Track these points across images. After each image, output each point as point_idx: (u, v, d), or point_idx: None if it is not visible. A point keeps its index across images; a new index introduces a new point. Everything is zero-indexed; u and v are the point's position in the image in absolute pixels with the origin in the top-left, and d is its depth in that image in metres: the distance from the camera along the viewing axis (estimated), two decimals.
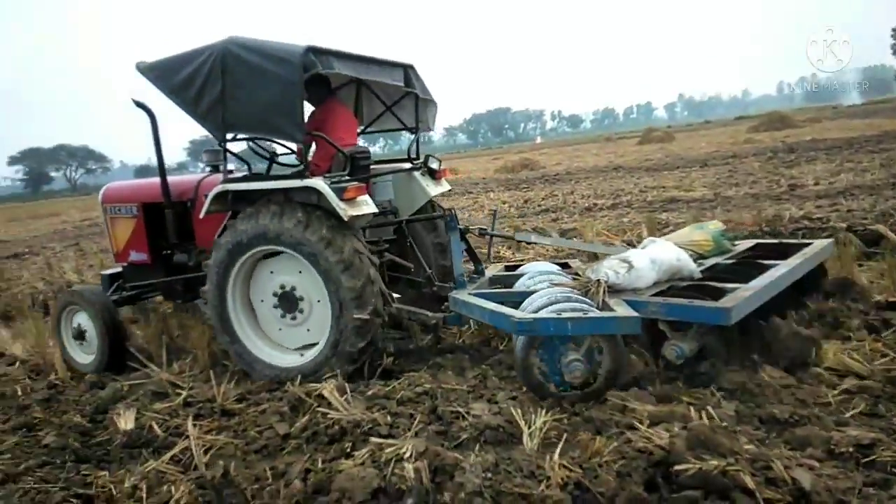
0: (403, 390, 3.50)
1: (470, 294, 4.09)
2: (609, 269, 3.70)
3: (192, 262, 4.82)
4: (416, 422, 3.11)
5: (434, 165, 5.05)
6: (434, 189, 5.00)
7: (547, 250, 6.82)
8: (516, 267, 5.05)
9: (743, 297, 3.35)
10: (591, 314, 3.31)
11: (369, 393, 3.49)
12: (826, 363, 3.47)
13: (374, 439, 2.91)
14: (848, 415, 2.96)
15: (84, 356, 4.87)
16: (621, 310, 3.35)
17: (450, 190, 5.32)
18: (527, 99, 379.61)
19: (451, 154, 71.50)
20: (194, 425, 3.33)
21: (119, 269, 5.27)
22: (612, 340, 3.28)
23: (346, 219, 3.82)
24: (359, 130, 5.16)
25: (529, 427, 2.97)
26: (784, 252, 4.28)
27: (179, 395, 3.82)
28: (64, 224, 23.70)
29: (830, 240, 4.67)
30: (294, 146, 4.46)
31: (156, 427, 3.40)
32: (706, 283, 3.78)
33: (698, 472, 2.37)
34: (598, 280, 3.62)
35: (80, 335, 4.84)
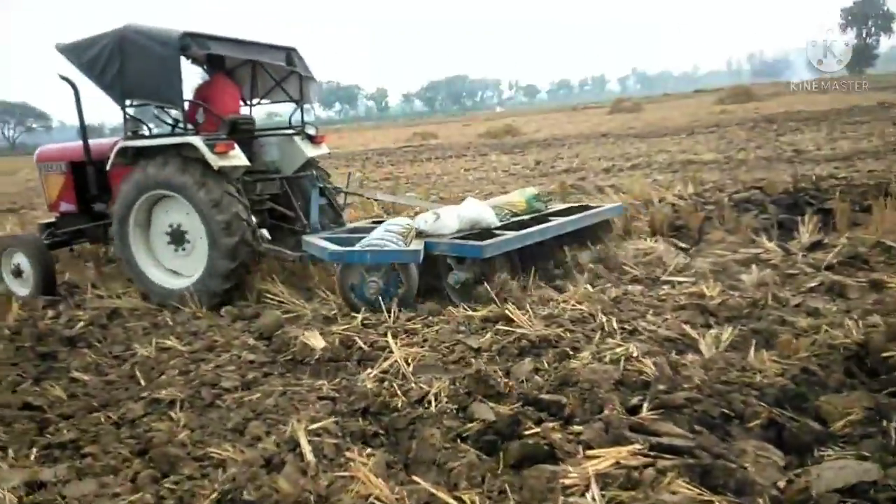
0: (568, 311, 3.88)
1: (316, 237, 5.07)
2: (421, 219, 4.80)
3: (109, 211, 5.52)
4: (598, 334, 3.50)
5: (311, 132, 6.04)
6: (312, 151, 5.94)
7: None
8: (380, 221, 5.76)
9: (499, 240, 4.47)
10: (386, 248, 4.38)
11: (544, 313, 3.85)
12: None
13: (595, 342, 3.29)
14: None
15: (22, 289, 5.83)
16: (414, 246, 4.40)
17: (328, 153, 6.24)
18: (484, 68, 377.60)
19: (417, 120, 71.12)
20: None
21: (53, 219, 6.29)
22: (406, 268, 4.35)
23: (215, 167, 4.81)
24: (254, 102, 6.28)
25: (704, 337, 3.42)
26: (576, 211, 5.44)
27: (355, 317, 4.09)
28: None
29: (617, 204, 6.06)
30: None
31: (359, 341, 3.68)
32: (495, 230, 4.81)
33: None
34: (412, 227, 4.71)
35: (17, 272, 5.85)
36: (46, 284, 5.70)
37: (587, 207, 5.66)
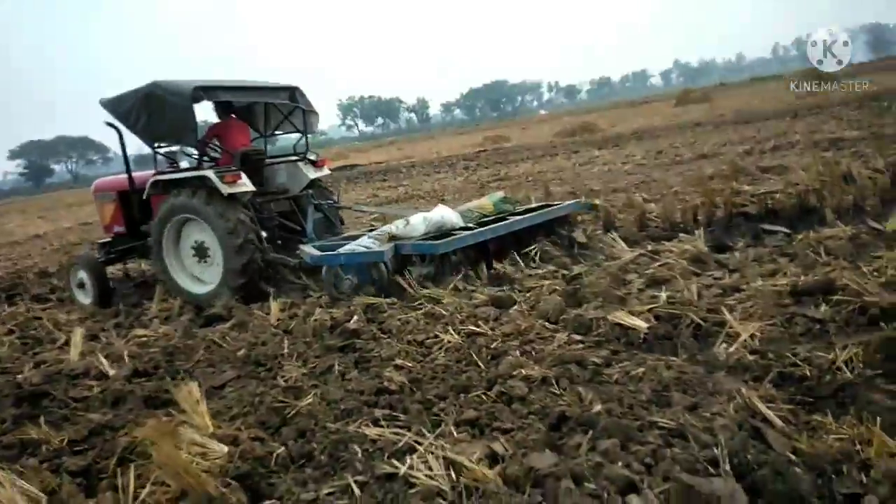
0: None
1: (308, 246, 5.96)
2: (393, 225, 5.62)
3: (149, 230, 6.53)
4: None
5: (312, 158, 7.10)
6: (314, 173, 7.01)
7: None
8: (373, 229, 6.58)
9: (452, 239, 5.20)
10: (356, 251, 5.28)
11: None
12: None
13: None
14: None
15: (86, 299, 6.98)
16: (385, 249, 5.14)
17: (330, 174, 7.39)
18: (522, 71, 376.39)
19: (466, 128, 70.83)
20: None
21: (109, 239, 7.36)
22: (377, 266, 5.19)
23: (225, 194, 5.83)
24: (268, 134, 7.31)
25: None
26: (534, 210, 6.09)
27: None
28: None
29: (574, 200, 6.84)
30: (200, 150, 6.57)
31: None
32: (454, 231, 5.50)
33: None
34: (386, 232, 5.50)
35: (81, 284, 7.01)
36: (102, 295, 6.89)
37: (546, 206, 6.36)
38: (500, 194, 6.68)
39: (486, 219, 6.00)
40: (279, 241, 6.74)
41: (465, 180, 15.32)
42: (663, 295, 3.90)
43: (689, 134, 17.18)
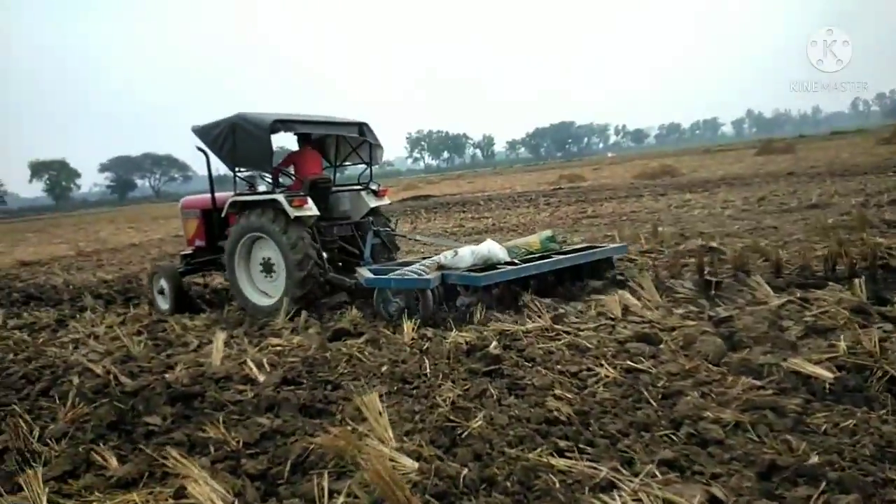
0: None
1: (364, 268, 6.43)
2: (442, 255, 5.89)
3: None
4: None
5: (374, 188, 7.60)
6: (375, 202, 7.54)
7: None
8: (426, 257, 6.75)
9: (496, 273, 5.52)
10: (406, 277, 5.59)
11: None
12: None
13: None
14: None
15: (164, 305, 7.56)
16: (432, 277, 5.48)
17: (390, 203, 8.13)
18: (589, 113, 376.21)
19: (533, 166, 70.53)
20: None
21: (190, 251, 7.99)
22: (423, 292, 5.49)
23: (292, 217, 6.37)
24: (338, 163, 8.10)
25: None
26: (578, 251, 6.39)
27: None
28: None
29: (621, 244, 7.25)
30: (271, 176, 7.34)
31: None
32: (499, 265, 5.75)
33: None
34: (436, 261, 5.78)
35: (161, 291, 7.60)
36: (178, 302, 7.46)
37: (592, 247, 6.65)
38: (548, 233, 6.88)
39: (531, 255, 6.24)
40: (340, 263, 7.35)
41: (551, 215, 15.21)
42: (842, 344, 3.65)
43: (782, 183, 16.59)
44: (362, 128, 7.50)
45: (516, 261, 5.94)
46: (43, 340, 6.44)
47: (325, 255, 6.71)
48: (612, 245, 6.86)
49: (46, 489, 2.89)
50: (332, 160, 8.12)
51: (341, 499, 2.54)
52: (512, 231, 12.61)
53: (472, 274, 5.50)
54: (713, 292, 5.45)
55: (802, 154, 30.31)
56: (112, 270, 12.14)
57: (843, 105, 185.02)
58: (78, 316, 7.77)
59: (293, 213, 6.37)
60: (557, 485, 2.55)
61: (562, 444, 2.95)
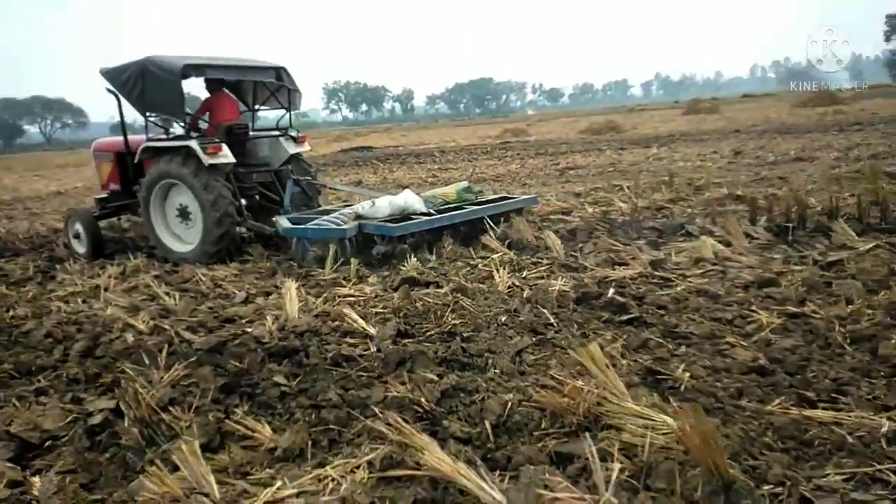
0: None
1: (282, 217, 6.42)
2: (360, 205, 5.99)
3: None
4: None
5: (294, 134, 7.46)
6: (294, 149, 7.35)
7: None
8: (348, 205, 7.11)
9: (409, 223, 5.65)
10: (323, 227, 5.72)
11: None
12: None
13: None
14: None
15: (81, 248, 7.45)
16: (348, 227, 5.59)
17: (310, 150, 7.74)
18: (507, 70, 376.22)
19: (457, 121, 69.33)
20: None
21: (105, 195, 7.90)
22: (341, 241, 5.61)
23: (206, 164, 6.27)
24: (257, 108, 7.85)
25: None
26: (491, 202, 6.57)
27: None
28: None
29: (532, 195, 7.50)
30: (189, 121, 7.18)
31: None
32: (415, 215, 5.91)
33: None
34: (354, 211, 5.88)
35: (77, 235, 7.47)
36: (95, 247, 7.34)
37: (506, 198, 6.85)
38: (464, 184, 7.02)
39: (447, 205, 6.40)
40: (260, 210, 7.22)
41: (521, 167, 14.94)
42: None
43: (732, 140, 17.01)
44: (280, 72, 7.30)
45: (432, 211, 6.11)
46: (34, 294, 5.50)
47: (243, 202, 6.69)
48: (524, 196, 7.16)
49: (209, 467, 2.32)
50: (250, 105, 7.86)
51: (615, 467, 2.14)
52: (496, 181, 12.24)
53: (388, 224, 5.63)
54: (790, 237, 5.36)
55: (729, 115, 31.54)
56: (56, 219, 10.78)
57: (742, 70, 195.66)
58: (59, 266, 6.77)
59: (207, 160, 6.27)
60: (849, 438, 2.29)
61: (790, 394, 2.70)
